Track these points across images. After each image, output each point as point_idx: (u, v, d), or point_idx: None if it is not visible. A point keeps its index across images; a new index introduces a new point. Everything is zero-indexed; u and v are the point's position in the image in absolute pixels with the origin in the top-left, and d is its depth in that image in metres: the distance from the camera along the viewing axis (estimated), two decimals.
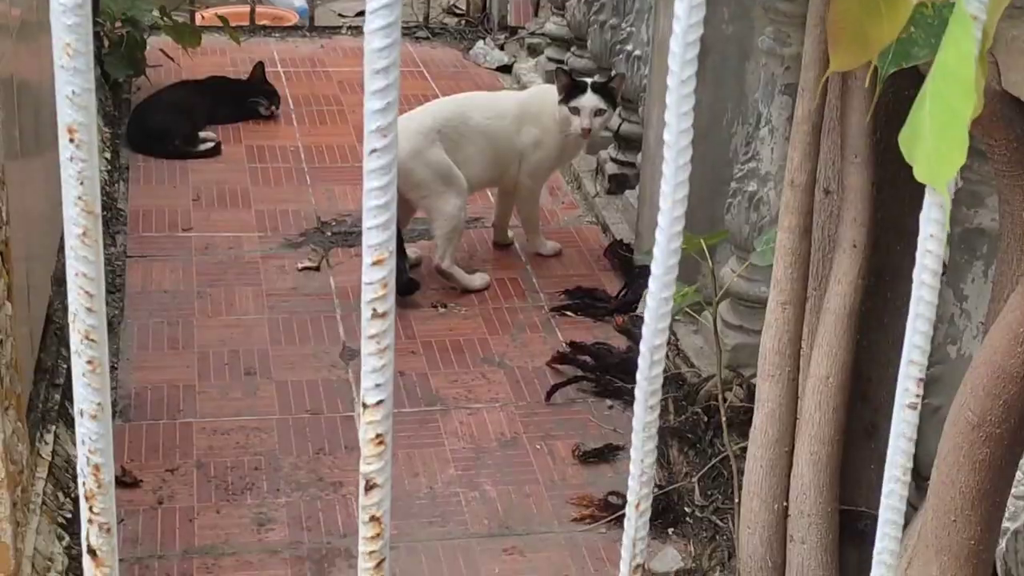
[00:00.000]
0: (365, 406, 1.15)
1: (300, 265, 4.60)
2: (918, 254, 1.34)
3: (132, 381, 3.91)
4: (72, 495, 3.30)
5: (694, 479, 3.46)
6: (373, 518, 1.27)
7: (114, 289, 4.40)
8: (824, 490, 2.65)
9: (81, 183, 1.09)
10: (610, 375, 3.96)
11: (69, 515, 3.24)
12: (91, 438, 1.18)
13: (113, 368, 3.96)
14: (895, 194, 2.63)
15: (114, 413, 3.74)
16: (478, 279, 4.50)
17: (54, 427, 3.38)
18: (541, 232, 4.76)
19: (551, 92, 4.57)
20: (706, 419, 3.63)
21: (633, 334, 4.15)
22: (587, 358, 4.05)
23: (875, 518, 2.74)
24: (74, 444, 3.50)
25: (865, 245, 2.53)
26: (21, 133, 3.44)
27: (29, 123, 3.64)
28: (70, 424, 3.51)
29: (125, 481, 3.47)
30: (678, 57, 1.11)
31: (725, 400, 3.55)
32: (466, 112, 4.48)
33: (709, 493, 3.42)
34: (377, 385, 1.13)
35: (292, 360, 4.06)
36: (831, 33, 1.42)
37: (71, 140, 1.08)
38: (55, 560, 3.06)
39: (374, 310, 1.12)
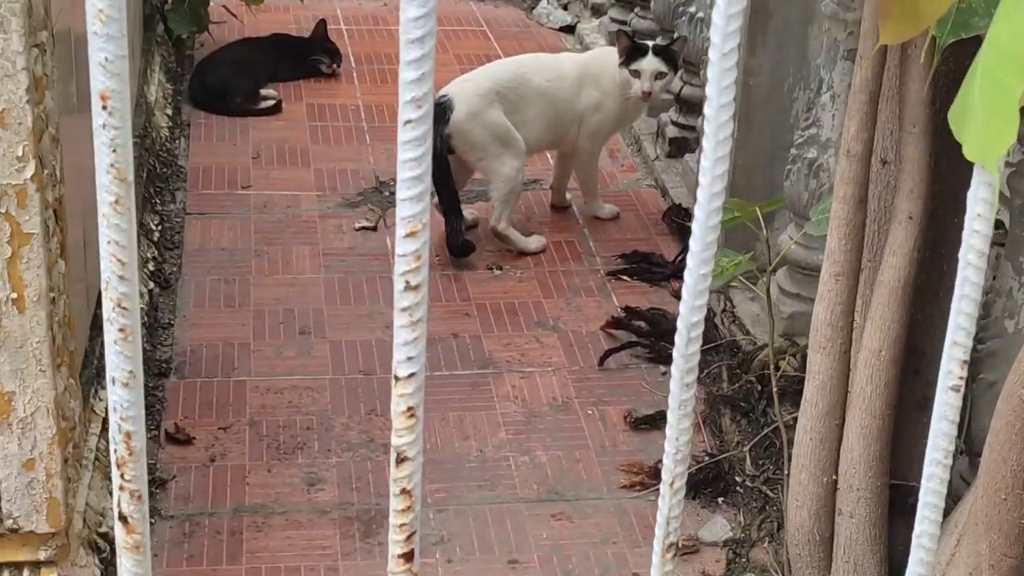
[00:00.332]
0: (397, 378, 1.13)
1: (357, 225, 4.60)
2: (964, 233, 1.31)
3: (187, 338, 3.94)
4: None
5: (745, 448, 3.43)
6: (404, 491, 1.26)
7: (173, 246, 4.42)
8: (874, 464, 2.62)
9: (114, 150, 1.08)
10: (664, 341, 3.93)
11: None
12: (123, 406, 1.18)
13: (170, 325, 3.99)
14: (953, 165, 2.58)
15: (169, 370, 3.77)
16: (534, 241, 4.48)
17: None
18: (599, 195, 4.73)
19: (612, 54, 4.53)
20: (760, 388, 3.60)
21: None
22: (642, 323, 4.02)
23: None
24: None
25: (921, 217, 2.48)
26: (79, 88, 3.45)
27: (86, 78, 3.65)
28: None
29: (178, 438, 3.49)
30: (719, 29, 1.08)
31: (778, 369, 3.52)
32: (526, 74, 4.45)
33: (760, 463, 3.39)
34: (409, 358, 1.12)
35: (347, 320, 4.06)
36: (881, 5, 1.38)
37: (104, 107, 1.07)
38: (107, 515, 3.09)
39: (407, 282, 1.11)
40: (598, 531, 3.27)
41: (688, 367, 1.37)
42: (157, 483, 3.33)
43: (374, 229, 4.58)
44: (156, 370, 3.75)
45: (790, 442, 3.09)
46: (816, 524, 2.70)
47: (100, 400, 3.33)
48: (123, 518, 1.24)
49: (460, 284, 4.28)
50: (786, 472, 2.91)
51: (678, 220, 4.60)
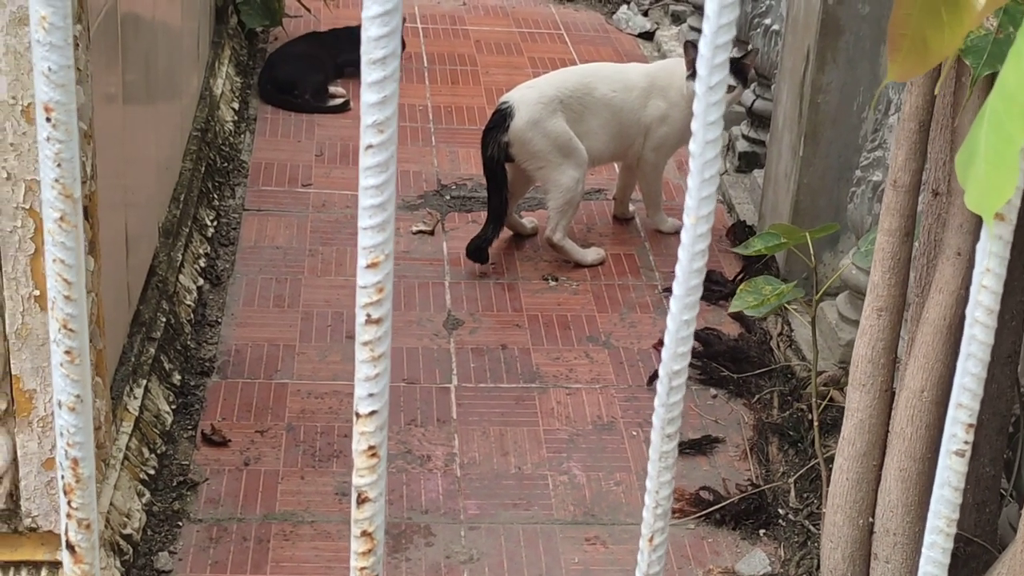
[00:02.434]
0: (358, 415, 1.06)
1: (414, 228, 4.54)
2: (972, 289, 1.21)
3: (233, 337, 3.90)
4: (157, 451, 3.30)
5: (791, 480, 3.32)
6: (365, 533, 1.19)
7: (228, 243, 4.39)
8: (912, 509, 2.50)
9: (59, 165, 1.01)
10: (717, 363, 3.82)
11: (152, 471, 3.23)
12: (69, 431, 1.12)
13: (217, 323, 3.95)
14: None
15: (212, 369, 3.74)
16: (592, 253, 4.39)
17: (145, 381, 3.37)
18: (663, 208, 4.63)
19: (680, 66, 4.43)
20: (810, 417, 3.48)
21: (746, 321, 4.01)
22: (695, 343, 3.91)
23: (966, 540, 2.58)
24: (165, 400, 3.50)
25: (970, 254, 2.36)
26: (126, 79, 3.42)
27: (138, 68, 3.62)
28: (163, 379, 3.50)
29: (214, 440, 3.45)
30: (706, 61, 0.99)
31: (830, 400, 3.40)
32: (591, 83, 4.36)
33: (805, 496, 3.28)
34: (371, 395, 1.06)
35: (395, 326, 3.95)
36: (891, 38, 1.28)
37: (48, 119, 1.01)
38: (132, 516, 3.05)
39: (368, 315, 1.04)
40: (632, 558, 3.17)
41: (670, 417, 1.28)
42: (189, 485, 3.29)
43: (431, 233, 4.52)
44: (199, 369, 3.71)
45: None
46: (851, 568, 2.59)
47: (135, 398, 3.30)
48: (70, 547, 1.18)
49: (513, 294, 4.20)
50: (823, 510, 2.80)
51: (743, 234, 4.48)
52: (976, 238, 2.37)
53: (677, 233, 4.52)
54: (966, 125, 2.31)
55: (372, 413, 1.05)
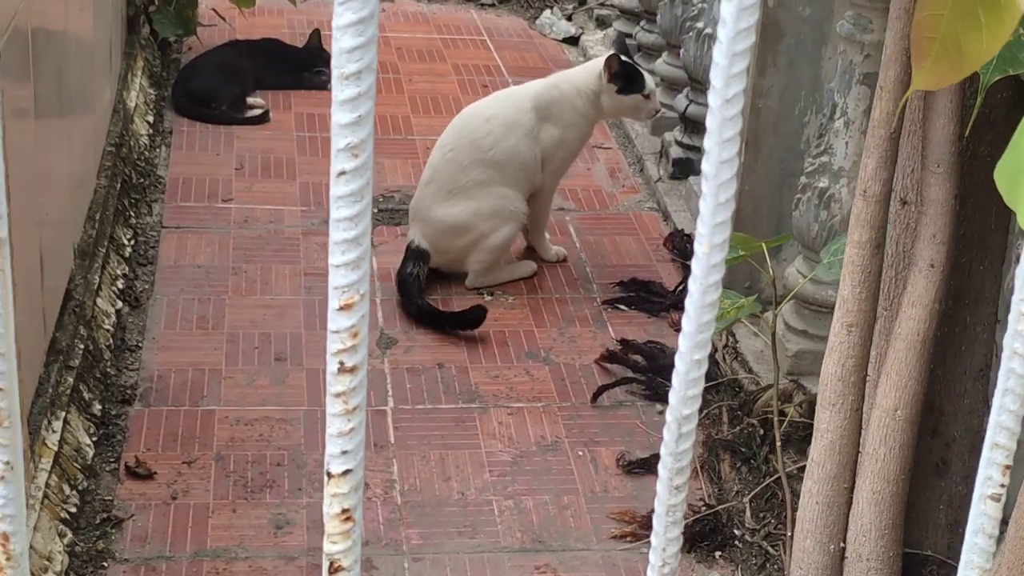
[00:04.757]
0: (329, 475, 0.94)
1: None
2: (1011, 317, 1.08)
3: (156, 362, 3.71)
4: (78, 487, 3.11)
5: (746, 499, 3.20)
6: None
7: (146, 262, 4.19)
8: (886, 532, 2.38)
9: None
10: (662, 377, 3.69)
11: (74, 509, 3.04)
12: None
13: (137, 347, 3.76)
14: (979, 208, 2.35)
15: (134, 397, 3.55)
16: (524, 266, 4.24)
17: (64, 413, 3.18)
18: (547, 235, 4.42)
19: (566, 82, 4.22)
20: (762, 432, 3.36)
21: None
22: (638, 358, 3.79)
23: (941, 563, 2.46)
24: (86, 432, 3.30)
25: (944, 265, 2.25)
26: (38, 93, 3.23)
27: (50, 84, 3.43)
28: (83, 410, 3.31)
29: (138, 473, 3.27)
30: (722, 70, 0.86)
31: (782, 416, 3.29)
32: (458, 152, 4.11)
33: (761, 515, 3.16)
34: (344, 452, 0.92)
35: (325, 346, 3.81)
36: (915, 43, 1.15)
37: None
38: (53, 559, 2.86)
39: (341, 363, 0.91)
40: None
41: (678, 467, 1.14)
42: (113, 522, 3.10)
43: None
44: (120, 397, 3.52)
45: (794, 493, 2.86)
46: None
47: (54, 432, 3.10)
48: None
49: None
50: (789, 534, 2.68)
51: (682, 242, 4.37)
52: (950, 249, 2.26)
53: (561, 261, 4.34)
54: (938, 131, 2.20)
55: (346, 472, 0.93)
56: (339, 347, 0.91)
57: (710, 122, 0.89)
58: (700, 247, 0.96)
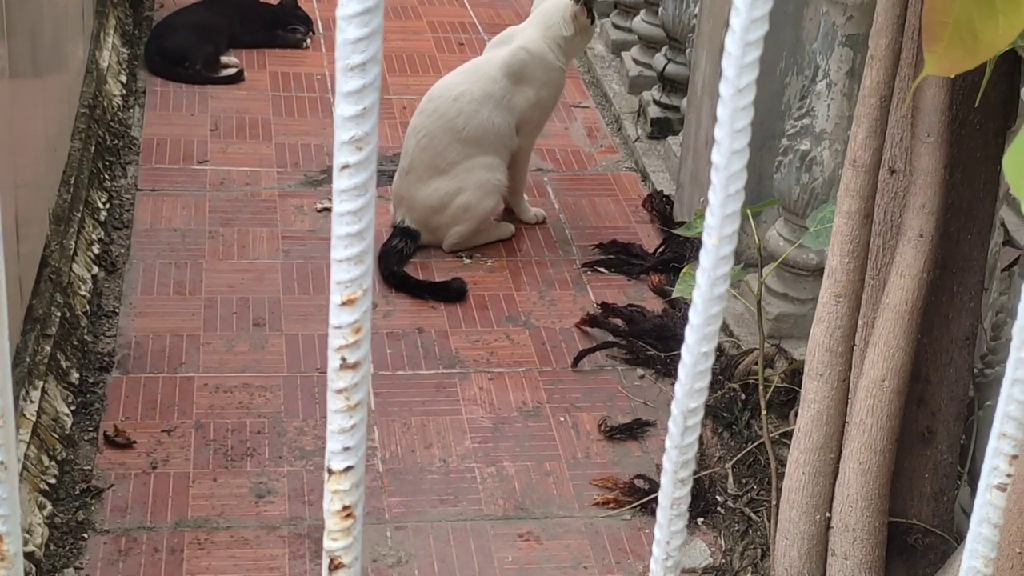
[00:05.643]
0: (330, 472, 0.91)
1: (319, 205, 4.33)
2: (1020, 305, 1.06)
3: (133, 328, 3.67)
4: (57, 458, 3.08)
5: (728, 465, 3.19)
6: None
7: (121, 225, 4.14)
8: (872, 502, 2.38)
9: None
10: (643, 341, 3.68)
11: (53, 480, 3.02)
12: None
13: (114, 313, 3.72)
14: (968, 177, 2.33)
15: (112, 364, 3.51)
16: (503, 229, 4.21)
17: (42, 383, 3.14)
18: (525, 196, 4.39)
19: (534, 32, 4.19)
20: (743, 397, 3.36)
21: (669, 295, 3.87)
22: (619, 321, 3.77)
23: (926, 532, 2.45)
24: (64, 401, 3.27)
25: (933, 235, 2.24)
26: (12, 54, 3.18)
27: (23, 43, 3.37)
28: (61, 379, 3.28)
29: (117, 442, 3.24)
30: (735, 60, 0.84)
31: (766, 381, 3.28)
32: (434, 134, 4.09)
33: (744, 481, 3.15)
34: (346, 448, 0.90)
35: (305, 311, 3.80)
36: (927, 26, 1.12)
37: None
38: (33, 532, 2.84)
39: (343, 359, 0.88)
40: (568, 553, 3.03)
41: (683, 460, 1.13)
42: (92, 493, 3.07)
43: None
44: (97, 364, 3.49)
45: (777, 459, 2.86)
46: (807, 565, 2.46)
47: (31, 402, 3.07)
48: None
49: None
50: (774, 502, 2.67)
51: (661, 203, 4.35)
52: (939, 218, 2.25)
53: (539, 223, 4.31)
54: (928, 100, 2.18)
55: (347, 469, 0.90)
56: (341, 343, 0.88)
57: (721, 112, 0.87)
58: (709, 239, 0.94)
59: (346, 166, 0.81)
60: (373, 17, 0.75)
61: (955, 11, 1.06)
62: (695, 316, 0.96)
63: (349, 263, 0.83)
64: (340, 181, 0.81)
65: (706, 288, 0.96)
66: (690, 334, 0.97)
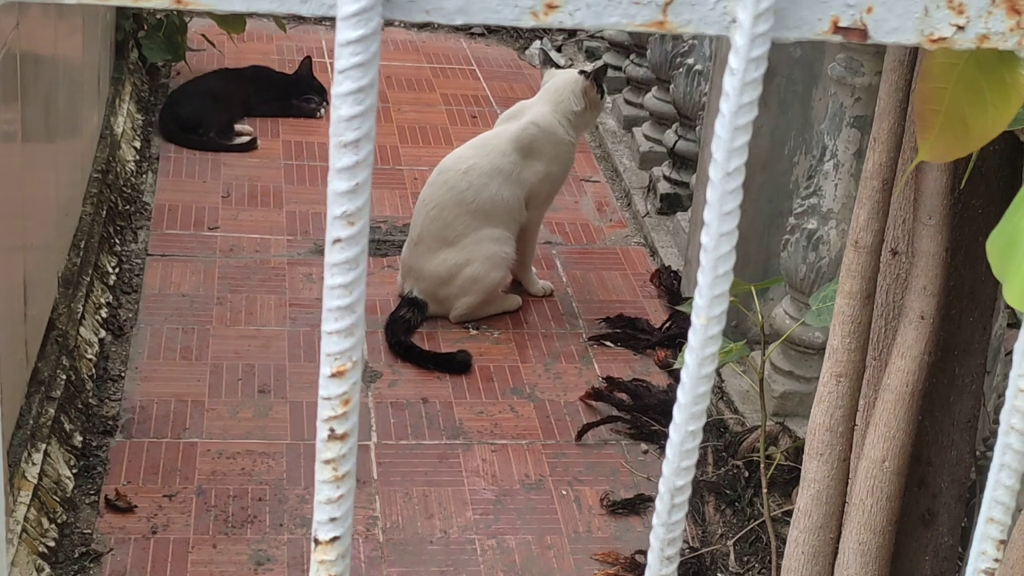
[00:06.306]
0: (317, 542, 0.92)
1: None
2: (1008, 392, 1.06)
3: (138, 393, 3.68)
4: (57, 521, 3.08)
5: (730, 542, 3.18)
6: None
7: (130, 290, 4.17)
8: None
9: None
10: (647, 416, 3.68)
11: (52, 543, 3.01)
12: None
13: (120, 377, 3.73)
14: (969, 259, 2.34)
15: (115, 428, 3.52)
16: (510, 300, 4.22)
17: (44, 445, 3.15)
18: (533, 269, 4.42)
19: (545, 120, 4.24)
20: (747, 474, 3.35)
21: (675, 372, 3.87)
22: (624, 396, 3.77)
23: None
24: (66, 464, 3.27)
25: (934, 317, 2.24)
26: (26, 118, 3.21)
27: (38, 108, 3.41)
28: (63, 441, 3.28)
29: (118, 506, 3.24)
30: (724, 143, 0.85)
31: (768, 460, 3.28)
32: (444, 207, 4.13)
33: (745, 559, 3.14)
34: (332, 519, 0.90)
35: (310, 379, 3.80)
36: (919, 114, 1.14)
37: None
38: None
39: (331, 430, 0.89)
40: None
41: (670, 538, 1.13)
42: (91, 556, 3.07)
43: None
44: (101, 428, 3.49)
45: (779, 539, 2.85)
46: None
47: (33, 464, 3.07)
48: None
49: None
50: None
51: (669, 279, 4.36)
52: (940, 301, 2.25)
53: (547, 296, 4.32)
54: (930, 183, 2.19)
55: (334, 539, 0.90)
56: (330, 414, 0.89)
57: (710, 195, 0.88)
58: (697, 319, 0.95)
59: (338, 240, 0.82)
60: (367, 95, 0.76)
61: (946, 100, 1.08)
62: (683, 394, 0.97)
63: (339, 335, 0.84)
64: (332, 255, 0.82)
65: (694, 367, 0.97)
66: (678, 412, 0.98)
